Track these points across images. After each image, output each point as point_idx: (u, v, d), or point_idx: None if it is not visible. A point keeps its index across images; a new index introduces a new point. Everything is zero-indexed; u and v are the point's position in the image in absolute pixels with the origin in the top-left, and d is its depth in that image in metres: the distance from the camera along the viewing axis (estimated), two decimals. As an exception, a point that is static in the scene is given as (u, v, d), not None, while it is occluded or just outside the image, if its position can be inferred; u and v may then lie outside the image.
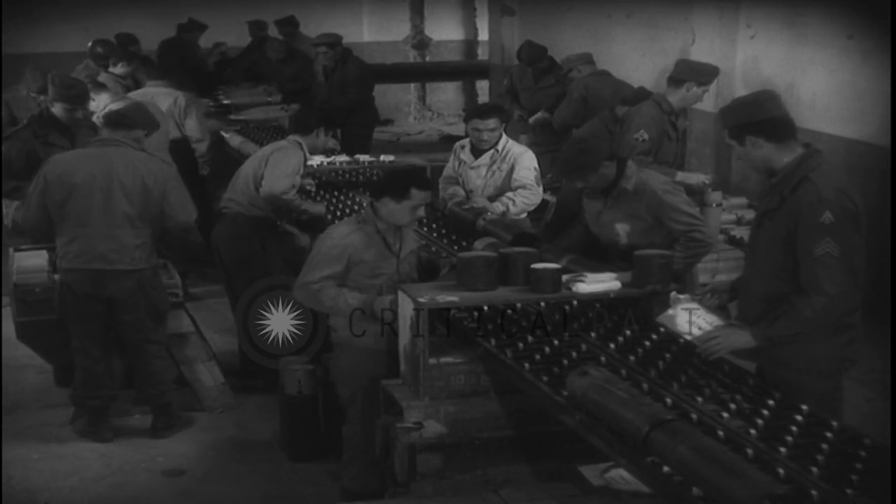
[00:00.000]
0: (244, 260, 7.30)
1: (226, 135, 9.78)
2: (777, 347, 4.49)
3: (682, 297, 4.86)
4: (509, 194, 6.89)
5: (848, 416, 4.54)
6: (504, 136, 7.07)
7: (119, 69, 10.29)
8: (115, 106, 7.66)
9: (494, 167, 7.01)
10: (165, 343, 6.74)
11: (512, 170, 6.94)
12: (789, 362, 4.51)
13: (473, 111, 7.54)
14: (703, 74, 7.56)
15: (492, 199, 6.91)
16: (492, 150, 7.00)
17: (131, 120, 6.62)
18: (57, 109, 7.49)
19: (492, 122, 6.99)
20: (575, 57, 9.98)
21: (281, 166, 7.23)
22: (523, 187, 6.88)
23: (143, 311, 6.47)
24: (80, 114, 7.56)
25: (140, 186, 6.33)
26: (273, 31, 14.06)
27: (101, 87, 8.88)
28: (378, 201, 5.48)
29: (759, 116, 4.51)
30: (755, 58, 9.24)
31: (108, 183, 6.31)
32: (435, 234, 6.56)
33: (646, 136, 7.30)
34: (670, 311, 4.77)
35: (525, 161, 6.96)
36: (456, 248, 6.24)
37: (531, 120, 10.37)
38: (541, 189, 7.05)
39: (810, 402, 4.14)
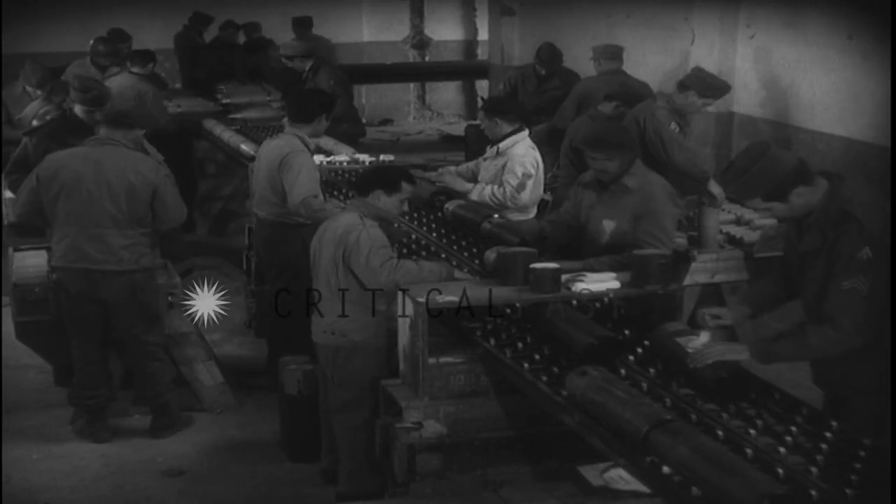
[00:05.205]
0: (282, 265, 7.02)
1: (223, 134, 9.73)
2: (838, 367, 4.35)
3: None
4: (485, 185, 6.93)
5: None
6: (515, 136, 6.99)
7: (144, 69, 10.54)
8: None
9: (493, 161, 7.05)
10: (163, 344, 6.71)
11: (504, 167, 6.94)
12: (862, 386, 4.34)
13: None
14: (709, 88, 7.47)
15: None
16: (495, 146, 7.04)
17: (132, 120, 6.61)
18: (78, 111, 7.47)
19: (485, 119, 7.08)
20: (601, 48, 9.65)
21: (292, 172, 6.76)
22: (500, 185, 6.89)
23: (135, 314, 6.44)
24: (99, 115, 7.50)
25: (126, 187, 6.29)
26: (267, 33, 14.13)
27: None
28: (368, 196, 5.52)
29: (790, 165, 4.37)
30: (755, 58, 9.24)
31: (95, 183, 6.29)
32: (435, 235, 6.54)
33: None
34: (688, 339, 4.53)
35: (513, 161, 6.91)
36: (455, 248, 6.23)
37: (533, 131, 10.31)
38: (524, 196, 6.90)
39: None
